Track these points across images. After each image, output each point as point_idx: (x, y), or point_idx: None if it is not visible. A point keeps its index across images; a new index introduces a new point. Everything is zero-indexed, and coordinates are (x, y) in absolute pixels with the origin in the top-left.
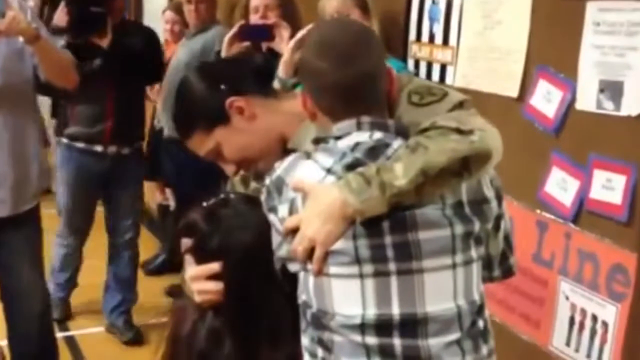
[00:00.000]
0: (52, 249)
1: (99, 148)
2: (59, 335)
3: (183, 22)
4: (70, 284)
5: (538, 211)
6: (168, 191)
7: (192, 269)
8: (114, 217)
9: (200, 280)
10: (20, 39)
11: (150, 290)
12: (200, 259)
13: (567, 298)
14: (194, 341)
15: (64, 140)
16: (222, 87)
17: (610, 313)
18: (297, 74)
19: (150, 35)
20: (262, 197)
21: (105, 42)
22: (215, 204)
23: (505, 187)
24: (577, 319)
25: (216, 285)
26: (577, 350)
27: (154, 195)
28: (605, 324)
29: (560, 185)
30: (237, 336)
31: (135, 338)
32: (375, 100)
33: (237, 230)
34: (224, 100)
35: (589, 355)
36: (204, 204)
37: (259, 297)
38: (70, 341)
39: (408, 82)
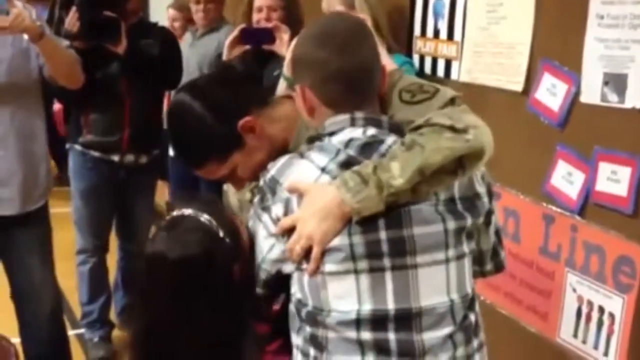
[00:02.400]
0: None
1: (115, 157)
2: (70, 333)
3: (184, 18)
4: (104, 314)
5: (544, 204)
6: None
7: None
8: (126, 224)
9: None
10: (25, 37)
11: None
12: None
13: (574, 290)
14: None
15: (78, 147)
16: (231, 114)
17: (616, 304)
18: (293, 70)
19: (168, 37)
20: (255, 199)
21: (120, 49)
22: (167, 222)
23: (511, 181)
24: (584, 310)
25: None
26: (584, 341)
27: (162, 192)
28: (612, 316)
29: (566, 178)
30: None
31: None
32: (373, 92)
33: (159, 256)
34: (236, 126)
35: (596, 347)
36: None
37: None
38: (82, 340)
39: (398, 79)
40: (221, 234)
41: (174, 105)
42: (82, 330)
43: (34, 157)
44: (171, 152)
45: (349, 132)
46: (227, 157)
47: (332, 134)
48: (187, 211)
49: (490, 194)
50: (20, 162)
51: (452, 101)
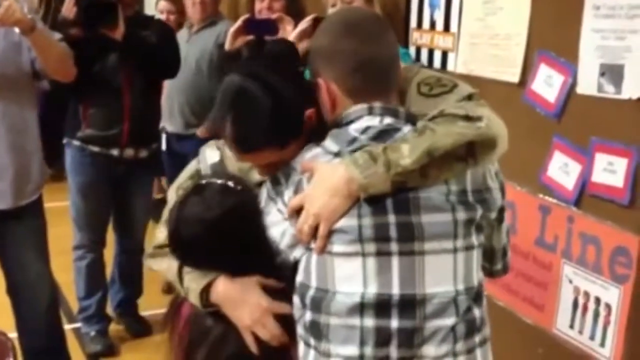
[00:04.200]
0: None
1: (115, 152)
2: (67, 327)
3: (178, 11)
4: (101, 309)
5: (540, 195)
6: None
7: (265, 299)
8: (124, 219)
9: (269, 314)
10: (17, 30)
11: (157, 279)
12: (174, 249)
13: (570, 281)
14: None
15: (76, 142)
16: (301, 103)
17: (613, 295)
18: (313, 60)
19: (165, 28)
20: (267, 186)
21: (118, 34)
22: (192, 189)
23: (507, 172)
24: (581, 301)
25: (276, 329)
26: (580, 332)
27: (157, 186)
28: (608, 306)
29: (563, 169)
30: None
31: (143, 329)
32: (394, 83)
33: (192, 220)
34: (302, 115)
35: (592, 337)
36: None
37: None
38: (79, 334)
39: (417, 73)
40: (244, 192)
41: (243, 89)
42: (79, 325)
43: (26, 151)
44: (164, 147)
45: (366, 120)
46: (287, 145)
47: (349, 123)
48: (209, 180)
49: (503, 192)
50: (12, 156)
51: (469, 97)
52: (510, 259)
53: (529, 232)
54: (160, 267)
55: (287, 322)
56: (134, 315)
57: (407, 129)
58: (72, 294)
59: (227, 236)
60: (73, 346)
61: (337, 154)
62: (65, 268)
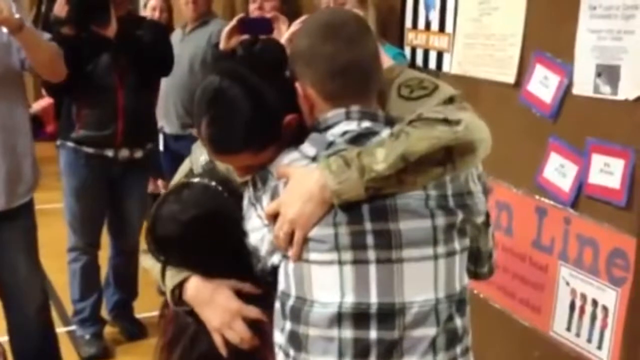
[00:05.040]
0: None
1: (109, 152)
2: (62, 330)
3: (169, 10)
4: (96, 311)
5: (537, 197)
6: (160, 181)
7: (235, 302)
8: (119, 220)
9: (238, 317)
10: (4, 30)
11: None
12: (149, 244)
13: (567, 283)
14: (194, 346)
15: (70, 144)
16: (279, 107)
17: (610, 298)
18: (292, 63)
19: (158, 28)
20: (249, 191)
21: (110, 32)
22: (176, 187)
23: (503, 174)
24: (578, 304)
25: (245, 332)
26: (577, 335)
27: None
28: (605, 309)
29: (559, 171)
30: None
31: (138, 332)
32: (374, 87)
33: (167, 218)
34: (282, 119)
35: (589, 340)
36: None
37: None
38: (74, 337)
39: (399, 74)
40: (225, 194)
41: (222, 90)
42: (73, 327)
43: (17, 151)
44: (161, 147)
45: (344, 125)
46: (264, 150)
47: (327, 128)
48: (191, 179)
49: (486, 194)
50: (3, 156)
51: (451, 100)
52: (496, 260)
53: (525, 233)
54: (148, 264)
55: (259, 326)
56: (129, 318)
57: (386, 132)
58: (67, 297)
59: (200, 238)
60: (68, 349)
61: (314, 159)
62: (61, 270)
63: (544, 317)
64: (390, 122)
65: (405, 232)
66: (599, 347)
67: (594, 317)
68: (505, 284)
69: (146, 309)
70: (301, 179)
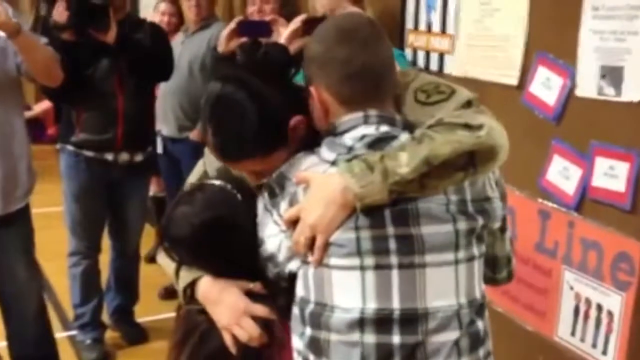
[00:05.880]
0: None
1: (109, 156)
2: (62, 335)
3: (179, 14)
4: (96, 316)
5: (540, 200)
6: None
7: (243, 300)
8: (119, 224)
9: (246, 315)
10: (2, 34)
11: (153, 285)
12: (163, 244)
13: (571, 288)
14: (204, 346)
15: (70, 147)
16: (284, 111)
17: (615, 302)
18: (307, 67)
19: (158, 31)
20: (264, 197)
21: (110, 37)
22: (191, 188)
23: (506, 176)
24: (582, 308)
25: (254, 330)
26: (582, 340)
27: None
28: (610, 314)
29: (562, 174)
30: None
31: (139, 337)
32: (390, 90)
33: (180, 220)
34: (288, 123)
35: (594, 345)
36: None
37: None
38: (74, 341)
39: (414, 79)
40: (239, 197)
41: (225, 96)
42: (74, 332)
43: (13, 156)
44: (160, 150)
45: (362, 129)
46: (272, 154)
47: (344, 132)
48: (206, 181)
49: (504, 200)
50: (0, 161)
51: (469, 104)
52: (515, 266)
53: (528, 237)
54: (164, 262)
55: (268, 325)
56: (130, 322)
57: (404, 136)
58: (67, 301)
59: (212, 240)
60: (68, 354)
61: (333, 163)
62: (61, 272)
63: (548, 322)
64: (407, 126)
65: (428, 236)
66: (604, 353)
67: (598, 322)
68: (508, 288)
69: (147, 313)
70: (322, 183)
